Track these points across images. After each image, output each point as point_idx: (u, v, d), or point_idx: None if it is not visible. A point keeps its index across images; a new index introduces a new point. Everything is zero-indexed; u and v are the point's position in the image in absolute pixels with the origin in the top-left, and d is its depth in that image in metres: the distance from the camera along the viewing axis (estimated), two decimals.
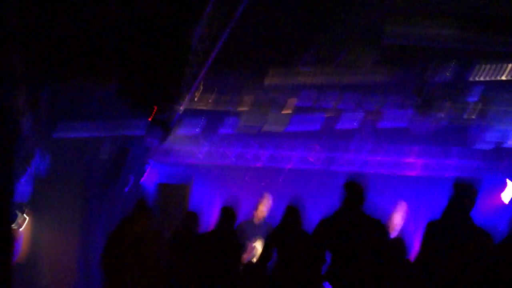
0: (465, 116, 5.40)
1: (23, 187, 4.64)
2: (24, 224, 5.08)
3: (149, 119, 4.26)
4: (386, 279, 3.41)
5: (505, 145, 5.86)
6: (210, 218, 3.77)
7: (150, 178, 5.34)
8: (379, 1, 4.14)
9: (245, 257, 3.97)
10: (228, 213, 3.67)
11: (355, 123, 4.80)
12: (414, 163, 5.73)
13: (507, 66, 5.19)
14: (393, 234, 4.91)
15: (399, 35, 4.28)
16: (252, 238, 4.24)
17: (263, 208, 4.75)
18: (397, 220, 5.04)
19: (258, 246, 4.20)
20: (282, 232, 3.78)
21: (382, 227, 3.30)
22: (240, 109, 4.61)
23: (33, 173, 4.73)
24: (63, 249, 5.22)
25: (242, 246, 3.67)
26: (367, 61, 4.44)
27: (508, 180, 6.23)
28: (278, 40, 4.26)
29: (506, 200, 6.32)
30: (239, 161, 5.76)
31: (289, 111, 4.41)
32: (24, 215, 5.01)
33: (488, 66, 5.08)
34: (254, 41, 4.23)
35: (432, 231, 2.93)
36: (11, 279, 3.58)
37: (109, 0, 3.89)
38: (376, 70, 4.37)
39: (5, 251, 3.64)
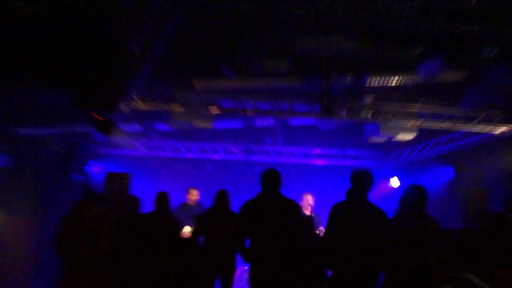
0: (362, 115, 6.45)
1: None
2: None
3: (94, 117, 4.70)
4: (299, 250, 4.18)
5: (393, 140, 7.11)
6: (149, 201, 4.33)
7: (97, 168, 5.77)
8: (291, 19, 4.94)
9: (181, 233, 4.60)
10: (163, 197, 4.28)
11: (271, 121, 5.63)
12: (320, 154, 6.78)
13: (396, 75, 6.27)
14: (306, 213, 5.89)
15: (307, 48, 5.08)
16: (187, 217, 4.91)
17: (195, 192, 5.48)
18: (309, 201, 6.01)
19: (191, 225, 4.87)
20: (212, 211, 4.47)
21: (296, 206, 3.86)
22: (175, 109, 5.21)
23: None
24: (20, 236, 5.52)
25: (178, 224, 4.30)
26: (281, 70, 5.27)
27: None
28: (207, 51, 4.91)
29: (394, 185, 7.63)
30: (174, 153, 6.44)
31: (216, 111, 5.09)
32: None
33: (380, 74, 6.13)
34: (186, 51, 4.83)
35: (337, 211, 3.61)
36: None
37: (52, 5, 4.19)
38: (288, 77, 5.23)
39: None
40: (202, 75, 5.09)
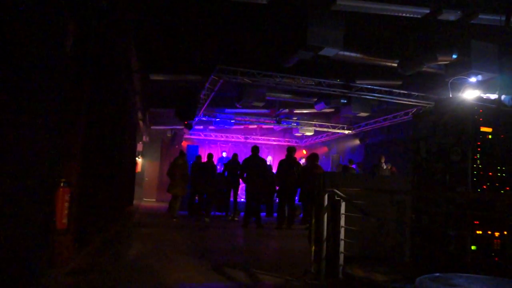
0: (292, 124, 14.21)
1: None
2: None
3: (185, 122, 11.78)
4: (265, 177, 11.61)
5: (307, 134, 15.10)
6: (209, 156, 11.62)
7: (185, 143, 13.02)
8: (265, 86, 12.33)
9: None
10: (210, 155, 11.51)
11: (254, 126, 13.46)
12: (275, 140, 14.68)
13: (303, 109, 13.89)
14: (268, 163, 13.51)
15: (269, 99, 12.60)
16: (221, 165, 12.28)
17: (225, 154, 12.92)
18: (270, 159, 13.68)
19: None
20: (235, 161, 11.84)
21: (264, 160, 11.18)
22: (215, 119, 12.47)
23: None
24: (153, 170, 12.58)
25: (215, 166, 11.61)
26: (259, 105, 12.66)
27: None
28: (228, 99, 12.14)
29: (303, 151, 15.66)
30: (216, 139, 14.02)
31: (232, 122, 12.48)
32: None
33: (301, 109, 13.80)
34: (220, 100, 11.99)
35: (280, 162, 11.14)
36: None
37: None
38: (262, 107, 12.68)
39: None
40: (226, 106, 12.30)
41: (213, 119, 12.33)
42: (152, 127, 12.55)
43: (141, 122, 11.84)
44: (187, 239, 6.89)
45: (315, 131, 14.22)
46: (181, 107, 11.49)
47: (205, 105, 11.72)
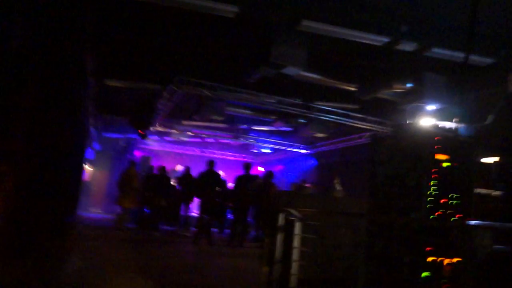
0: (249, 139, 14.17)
1: None
2: None
3: (139, 132, 11.37)
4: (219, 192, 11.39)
5: (263, 151, 15.12)
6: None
7: (138, 153, 12.48)
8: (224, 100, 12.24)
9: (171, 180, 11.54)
10: (162, 167, 11.16)
11: (212, 139, 13.26)
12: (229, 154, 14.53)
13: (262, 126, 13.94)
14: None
15: (229, 114, 12.53)
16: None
17: (180, 167, 12.52)
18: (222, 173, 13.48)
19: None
20: (188, 175, 11.51)
21: (219, 174, 11.01)
22: (174, 131, 12.12)
23: None
24: (103, 180, 11.85)
25: (169, 178, 11.25)
26: (219, 119, 12.53)
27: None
28: (187, 111, 11.91)
29: (260, 169, 15.63)
30: (172, 149, 13.56)
31: (191, 134, 12.21)
32: None
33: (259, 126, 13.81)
34: (181, 110, 11.74)
35: (237, 178, 11.07)
36: None
37: None
38: (222, 122, 12.54)
39: None
40: (186, 119, 12.04)
41: (169, 130, 12.01)
42: (104, 135, 12.01)
43: (92, 129, 11.27)
44: (133, 254, 6.50)
45: (272, 148, 14.25)
46: (136, 116, 11.09)
47: (162, 116, 11.39)
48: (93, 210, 12.74)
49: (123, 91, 9.45)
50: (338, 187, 10.67)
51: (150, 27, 6.68)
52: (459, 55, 6.24)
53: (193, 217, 11.29)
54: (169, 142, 13.53)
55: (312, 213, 3.85)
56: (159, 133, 12.18)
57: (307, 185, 12.84)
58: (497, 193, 3.36)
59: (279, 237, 3.80)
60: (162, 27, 6.66)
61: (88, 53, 6.87)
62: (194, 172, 11.75)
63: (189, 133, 12.24)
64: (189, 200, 11.15)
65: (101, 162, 12.70)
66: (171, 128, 12.02)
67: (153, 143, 13.34)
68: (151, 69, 8.47)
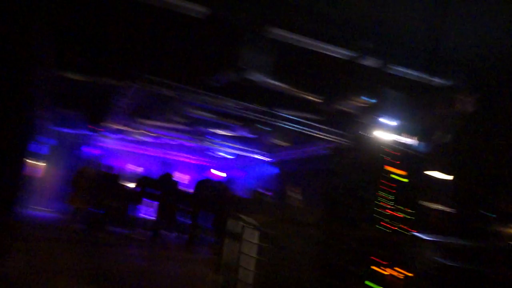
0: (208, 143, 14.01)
1: None
2: None
3: (91, 127, 10.89)
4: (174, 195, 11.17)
5: (225, 156, 14.98)
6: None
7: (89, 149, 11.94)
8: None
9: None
10: (110, 167, 10.79)
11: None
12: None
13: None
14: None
15: (192, 116, 12.34)
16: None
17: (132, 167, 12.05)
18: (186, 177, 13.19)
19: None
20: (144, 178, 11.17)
21: (171, 176, 10.93)
22: (128, 129, 11.74)
23: None
24: (56, 177, 11.20)
25: (118, 176, 10.85)
26: (180, 121, 12.30)
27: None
28: (145, 110, 11.58)
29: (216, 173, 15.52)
30: (124, 148, 13.08)
31: (145, 133, 11.90)
32: None
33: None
34: (139, 110, 11.40)
35: (198, 183, 10.90)
36: None
37: None
38: (182, 123, 12.30)
39: None
40: (146, 118, 11.71)
41: (127, 129, 11.63)
42: (59, 129, 11.38)
43: (46, 122, 10.68)
44: (78, 257, 6.16)
45: (234, 154, 14.15)
46: (92, 111, 10.65)
47: (120, 113, 11.00)
48: (40, 209, 12.04)
49: (81, 85, 9.03)
50: (296, 196, 10.74)
51: (114, 20, 6.42)
52: (418, 75, 6.47)
53: (147, 219, 10.95)
54: (127, 141, 13.09)
55: (268, 221, 3.79)
56: (116, 131, 11.75)
57: (266, 192, 12.83)
58: (442, 207, 3.45)
59: (233, 245, 3.72)
60: (126, 21, 6.42)
61: (43, 43, 6.50)
62: (152, 174, 11.48)
63: (148, 133, 11.90)
64: (140, 201, 10.86)
65: (55, 158, 12.04)
66: (129, 126, 11.63)
67: (110, 141, 12.85)
68: (112, 64, 8.15)
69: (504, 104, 4.09)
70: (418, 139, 3.37)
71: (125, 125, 11.67)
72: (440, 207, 3.56)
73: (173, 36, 6.79)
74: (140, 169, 11.14)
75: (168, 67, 8.01)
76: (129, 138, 12.45)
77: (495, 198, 3.08)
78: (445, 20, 3.69)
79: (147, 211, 10.70)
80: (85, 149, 12.65)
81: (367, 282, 2.76)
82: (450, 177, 3.30)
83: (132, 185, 11.28)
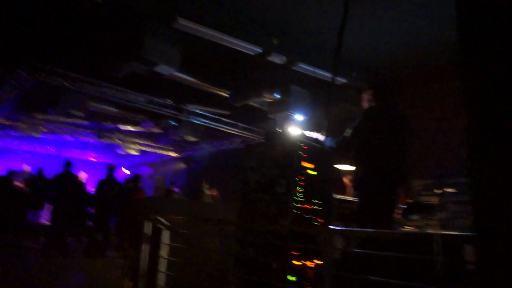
0: (115, 141, 13.19)
1: None
2: None
3: None
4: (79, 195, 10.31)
5: (130, 153, 14.24)
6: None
7: None
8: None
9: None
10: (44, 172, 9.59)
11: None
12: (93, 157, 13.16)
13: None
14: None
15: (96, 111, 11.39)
16: None
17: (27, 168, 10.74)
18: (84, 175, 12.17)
19: None
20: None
21: (77, 177, 10.10)
22: (21, 126, 10.40)
23: None
24: None
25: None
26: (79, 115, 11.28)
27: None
28: (43, 103, 10.40)
29: (126, 171, 14.67)
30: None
31: (44, 130, 10.67)
32: None
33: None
34: (34, 103, 10.17)
35: (101, 183, 10.09)
36: None
37: None
38: (85, 120, 11.31)
39: None
40: (39, 112, 10.48)
41: (16, 124, 10.31)
42: None
43: None
44: None
45: (140, 150, 13.50)
46: None
47: (6, 106, 9.70)
48: None
49: None
50: (207, 191, 10.67)
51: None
52: (321, 73, 6.87)
53: (43, 224, 9.92)
54: (17, 138, 11.57)
55: (181, 220, 3.66)
56: (2, 127, 10.34)
57: (175, 189, 12.53)
58: (352, 199, 3.71)
59: (145, 247, 3.52)
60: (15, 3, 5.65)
61: None
62: (48, 174, 10.33)
63: (42, 128, 10.70)
64: (39, 205, 9.79)
65: None
66: (19, 121, 10.32)
67: None
68: None
69: (393, 99, 4.54)
70: (326, 134, 3.55)
71: (16, 120, 10.29)
72: (348, 198, 3.83)
73: (71, 22, 6.17)
74: (37, 170, 9.93)
75: (67, 56, 7.25)
76: (22, 135, 11.01)
77: (394, 188, 3.40)
78: (346, 21, 3.95)
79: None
80: None
81: (289, 278, 2.83)
82: (355, 170, 3.55)
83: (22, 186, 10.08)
